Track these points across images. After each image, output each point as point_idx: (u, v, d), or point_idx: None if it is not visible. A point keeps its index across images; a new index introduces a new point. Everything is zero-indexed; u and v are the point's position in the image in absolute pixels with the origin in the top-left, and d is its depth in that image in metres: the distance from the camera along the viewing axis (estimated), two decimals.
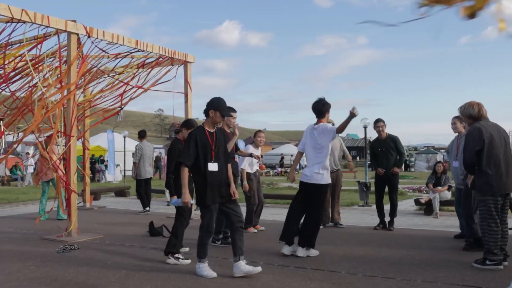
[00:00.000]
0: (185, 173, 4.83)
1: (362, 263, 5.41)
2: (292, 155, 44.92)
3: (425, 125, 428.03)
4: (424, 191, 14.03)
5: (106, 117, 9.91)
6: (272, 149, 59.42)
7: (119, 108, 9.70)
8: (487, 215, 5.08)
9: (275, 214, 9.95)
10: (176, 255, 5.45)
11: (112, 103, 9.85)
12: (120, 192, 14.75)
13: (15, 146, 7.93)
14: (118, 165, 23.29)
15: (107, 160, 23.62)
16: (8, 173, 22.28)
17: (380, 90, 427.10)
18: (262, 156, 8.33)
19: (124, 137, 20.15)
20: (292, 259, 5.62)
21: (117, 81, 9.44)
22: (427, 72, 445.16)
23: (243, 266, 4.75)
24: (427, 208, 9.81)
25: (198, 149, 4.83)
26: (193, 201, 4.92)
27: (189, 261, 5.40)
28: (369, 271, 5.02)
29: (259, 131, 7.94)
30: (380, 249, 6.22)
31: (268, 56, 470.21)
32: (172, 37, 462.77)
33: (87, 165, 11.14)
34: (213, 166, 4.85)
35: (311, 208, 5.84)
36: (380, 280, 4.69)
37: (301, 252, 5.75)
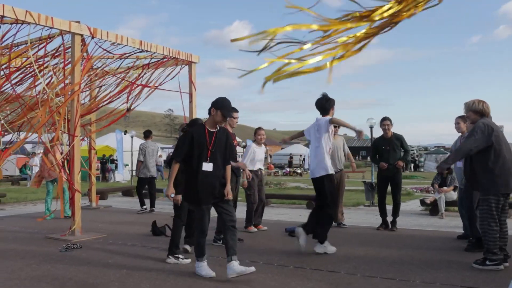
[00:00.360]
0: (175, 168, 4.93)
1: (362, 263, 5.40)
2: (300, 155, 44.83)
3: (435, 125, 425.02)
4: (431, 192, 13.90)
5: (114, 120, 9.93)
6: (282, 149, 59.32)
7: (126, 110, 9.75)
8: (488, 215, 5.04)
9: (280, 214, 9.94)
10: (176, 255, 5.47)
11: (119, 104, 9.91)
12: (127, 191, 14.79)
13: (11, 146, 8.00)
14: (126, 165, 23.43)
15: (116, 160, 23.79)
16: (18, 172, 22.53)
17: (391, 90, 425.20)
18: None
19: (132, 137, 20.26)
20: (292, 258, 5.62)
21: (122, 81, 9.49)
22: (438, 72, 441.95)
23: (236, 266, 4.65)
24: (432, 209, 9.74)
25: (193, 147, 4.83)
26: (173, 195, 4.93)
27: (189, 260, 5.42)
28: (368, 272, 5.00)
29: (259, 128, 7.86)
30: (381, 250, 6.19)
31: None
32: (181, 37, 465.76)
33: (94, 164, 11.22)
34: (207, 166, 4.80)
35: (323, 203, 5.92)
36: (379, 281, 4.67)
37: (318, 248, 5.88)
